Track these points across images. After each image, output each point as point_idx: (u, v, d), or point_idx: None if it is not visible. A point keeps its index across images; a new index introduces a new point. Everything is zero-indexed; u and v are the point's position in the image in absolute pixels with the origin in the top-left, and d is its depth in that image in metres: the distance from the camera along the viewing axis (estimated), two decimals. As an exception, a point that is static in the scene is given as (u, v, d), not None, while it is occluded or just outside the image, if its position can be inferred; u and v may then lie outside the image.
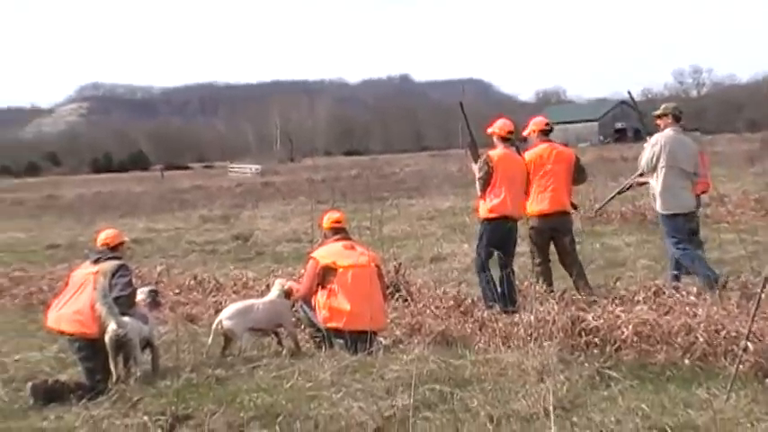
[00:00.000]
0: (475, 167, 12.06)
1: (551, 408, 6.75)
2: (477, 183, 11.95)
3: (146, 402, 8.30)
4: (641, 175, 12.84)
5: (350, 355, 9.32)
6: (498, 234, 11.77)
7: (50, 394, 8.77)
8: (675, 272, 11.82)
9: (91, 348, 9.21)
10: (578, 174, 12.44)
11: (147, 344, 9.48)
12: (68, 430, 7.89)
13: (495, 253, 11.75)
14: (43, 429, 8.03)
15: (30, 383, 8.93)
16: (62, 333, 9.53)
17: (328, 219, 10.87)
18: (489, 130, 12.17)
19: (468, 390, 7.94)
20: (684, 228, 11.96)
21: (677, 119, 12.24)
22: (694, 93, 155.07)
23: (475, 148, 12.30)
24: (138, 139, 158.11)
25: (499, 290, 11.46)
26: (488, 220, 11.87)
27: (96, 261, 9.62)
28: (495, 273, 11.64)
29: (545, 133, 12.41)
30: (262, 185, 55.62)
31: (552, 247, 12.27)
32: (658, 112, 12.36)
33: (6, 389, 9.25)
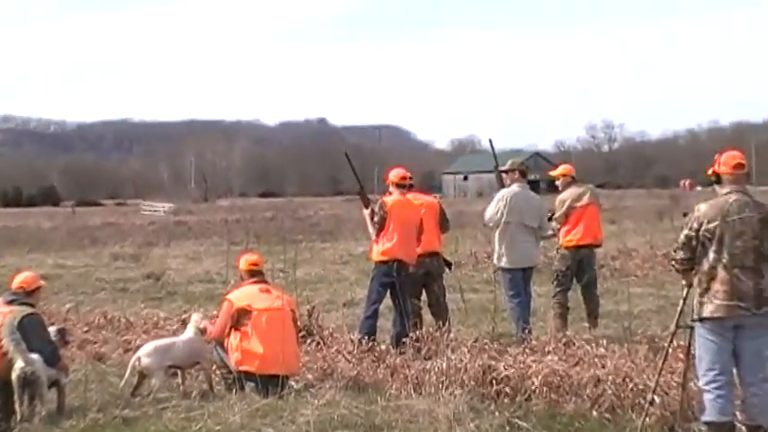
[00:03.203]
0: (366, 212, 12.61)
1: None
2: (371, 227, 12.46)
3: (50, 442, 8.16)
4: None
5: (261, 398, 9.24)
6: (390, 277, 12.22)
7: None
8: (524, 324, 12.37)
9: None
10: (443, 223, 13.10)
11: (54, 382, 9.31)
12: (-31, 469, 7.72)
13: (392, 294, 12.31)
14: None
15: None
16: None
17: (246, 261, 10.82)
18: (387, 181, 12.82)
19: (378, 436, 7.94)
20: (521, 281, 12.74)
21: (524, 174, 13.06)
22: (606, 147, 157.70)
23: (364, 194, 12.91)
24: (49, 174, 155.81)
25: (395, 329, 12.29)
26: (381, 263, 12.35)
27: (10, 303, 9.46)
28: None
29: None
30: (174, 224, 55.15)
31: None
32: (505, 168, 13.09)
33: None
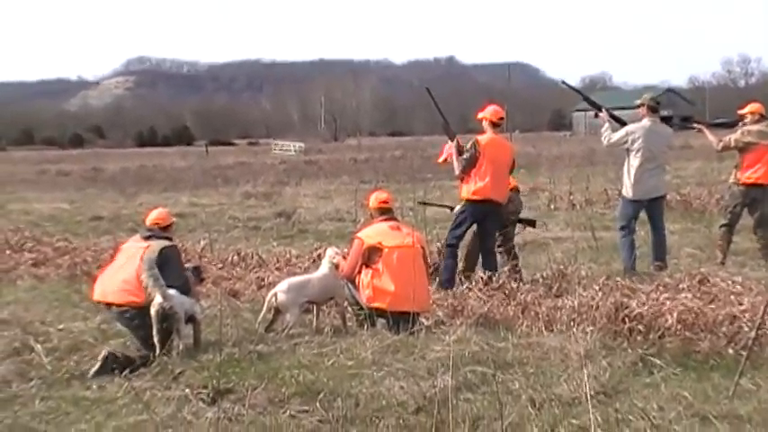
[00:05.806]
0: (451, 146, 12.43)
1: (592, 393, 6.73)
2: (457, 163, 12.28)
3: (187, 375, 8.34)
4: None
5: (392, 334, 9.30)
6: (479, 216, 12.20)
7: (122, 366, 8.78)
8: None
9: (142, 317, 9.23)
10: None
11: (191, 317, 9.50)
12: (110, 400, 7.92)
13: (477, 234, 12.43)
14: (86, 399, 8.07)
15: (107, 350, 8.97)
16: (110, 305, 9.55)
17: (375, 199, 10.86)
18: (480, 115, 12.52)
19: (509, 372, 7.94)
20: (635, 214, 12.96)
21: (653, 110, 12.99)
22: (742, 82, 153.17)
23: (449, 129, 12.66)
24: (183, 115, 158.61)
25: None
26: (471, 202, 12.23)
27: (147, 238, 9.67)
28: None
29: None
30: (305, 163, 55.68)
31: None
32: (638, 102, 13.16)
33: (50, 357, 9.31)
